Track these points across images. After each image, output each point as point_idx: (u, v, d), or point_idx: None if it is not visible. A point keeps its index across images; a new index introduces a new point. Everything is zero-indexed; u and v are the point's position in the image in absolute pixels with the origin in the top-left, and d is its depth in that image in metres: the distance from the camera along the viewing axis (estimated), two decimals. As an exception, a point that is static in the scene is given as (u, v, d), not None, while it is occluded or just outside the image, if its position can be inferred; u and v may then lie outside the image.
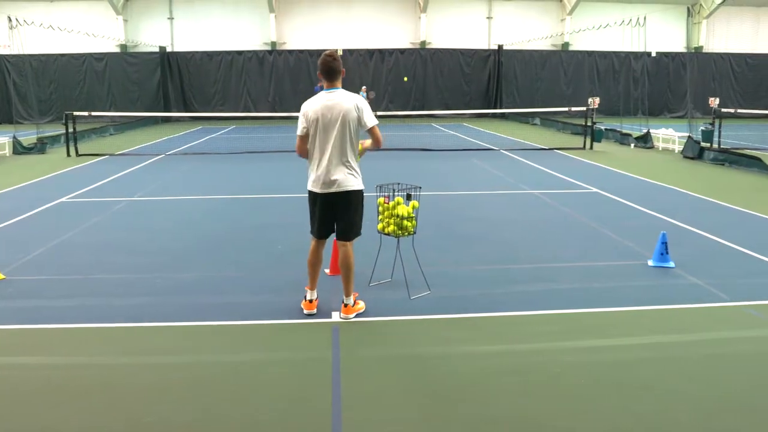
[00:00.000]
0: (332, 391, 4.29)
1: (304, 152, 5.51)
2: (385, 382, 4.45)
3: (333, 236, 5.66)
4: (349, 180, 5.40)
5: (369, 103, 6.09)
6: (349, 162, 5.39)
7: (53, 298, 6.22)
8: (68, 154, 18.32)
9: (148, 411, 4.07)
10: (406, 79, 18.71)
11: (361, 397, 4.22)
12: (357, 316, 5.60)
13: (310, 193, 5.53)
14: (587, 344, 5.11)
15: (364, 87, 29.87)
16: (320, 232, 5.58)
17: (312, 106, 5.37)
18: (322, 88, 5.43)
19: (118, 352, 5.04)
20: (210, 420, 3.96)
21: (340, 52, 31.66)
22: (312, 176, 5.46)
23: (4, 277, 6.77)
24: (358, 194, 5.50)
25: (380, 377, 4.53)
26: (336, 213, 5.48)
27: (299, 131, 5.44)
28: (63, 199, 11.36)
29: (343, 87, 5.48)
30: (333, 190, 5.38)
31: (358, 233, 5.63)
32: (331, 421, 3.90)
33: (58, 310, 5.87)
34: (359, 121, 5.37)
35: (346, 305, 5.60)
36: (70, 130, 18.77)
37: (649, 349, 4.98)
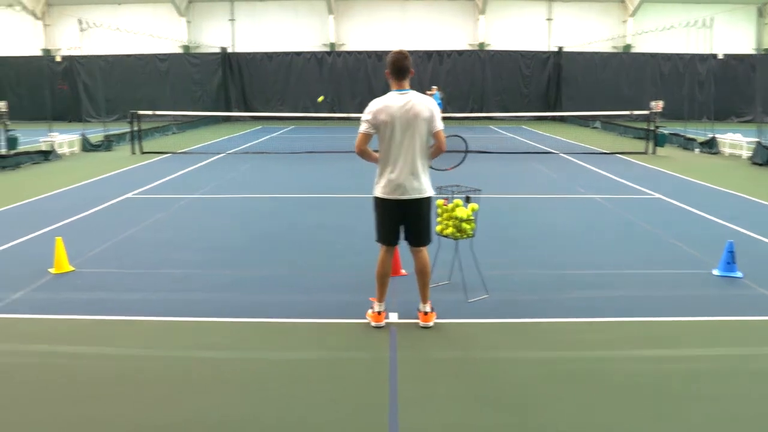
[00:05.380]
0: (389, 392, 4.29)
1: (364, 151, 5.27)
2: (442, 385, 4.43)
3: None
4: (423, 186, 5.23)
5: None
6: (421, 167, 5.22)
7: (118, 291, 6.40)
8: (133, 152, 18.84)
9: (204, 405, 4.14)
10: (320, 99, 17.67)
11: (418, 400, 4.20)
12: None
13: (379, 199, 5.29)
14: (648, 354, 4.97)
15: (434, 87, 29.48)
16: (390, 239, 5.38)
17: (384, 107, 5.11)
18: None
19: (177, 345, 5.15)
20: (264, 417, 4.00)
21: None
22: (382, 182, 5.23)
23: (73, 269, 7.00)
24: (429, 200, 5.33)
25: (438, 380, 4.51)
26: (408, 219, 5.30)
27: (364, 129, 5.18)
28: (128, 196, 11.67)
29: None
30: (406, 196, 5.19)
31: (431, 238, 5.48)
32: (388, 423, 3.90)
33: (121, 303, 6.04)
34: (431, 124, 5.18)
35: (425, 313, 5.42)
36: (135, 128, 19.29)
37: (713, 362, 4.83)
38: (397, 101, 5.12)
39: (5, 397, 4.27)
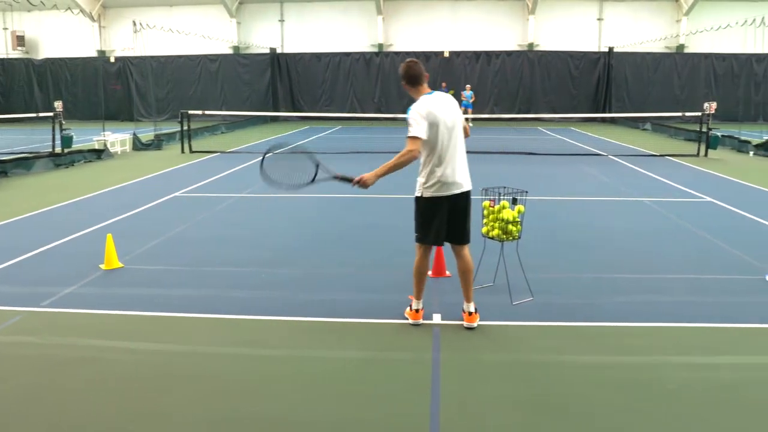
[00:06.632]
0: (431, 393, 4.28)
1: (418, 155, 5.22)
2: (485, 387, 4.40)
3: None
4: (469, 180, 5.37)
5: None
6: (466, 161, 5.36)
7: (165, 288, 6.52)
8: (182, 151, 19.17)
9: (247, 403, 4.19)
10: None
11: (459, 402, 4.18)
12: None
13: (429, 199, 5.26)
14: (696, 361, 4.86)
15: (468, 86, 29.68)
16: (438, 239, 5.41)
17: (431, 109, 5.10)
18: (447, 90, 5.41)
19: (223, 343, 5.21)
20: (304, 415, 4.03)
21: (446, 55, 31.70)
22: (432, 181, 5.21)
23: (122, 265, 7.15)
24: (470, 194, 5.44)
25: (480, 382, 4.48)
26: (455, 215, 5.31)
27: (419, 133, 5.05)
28: (176, 194, 11.88)
29: (438, 89, 5.42)
30: (458, 191, 5.26)
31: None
32: (429, 424, 3.88)
33: (169, 299, 6.14)
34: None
35: (470, 314, 5.43)
36: (185, 128, 19.61)
37: (765, 370, 4.69)
38: (437, 102, 5.19)
39: (55, 390, 4.38)
